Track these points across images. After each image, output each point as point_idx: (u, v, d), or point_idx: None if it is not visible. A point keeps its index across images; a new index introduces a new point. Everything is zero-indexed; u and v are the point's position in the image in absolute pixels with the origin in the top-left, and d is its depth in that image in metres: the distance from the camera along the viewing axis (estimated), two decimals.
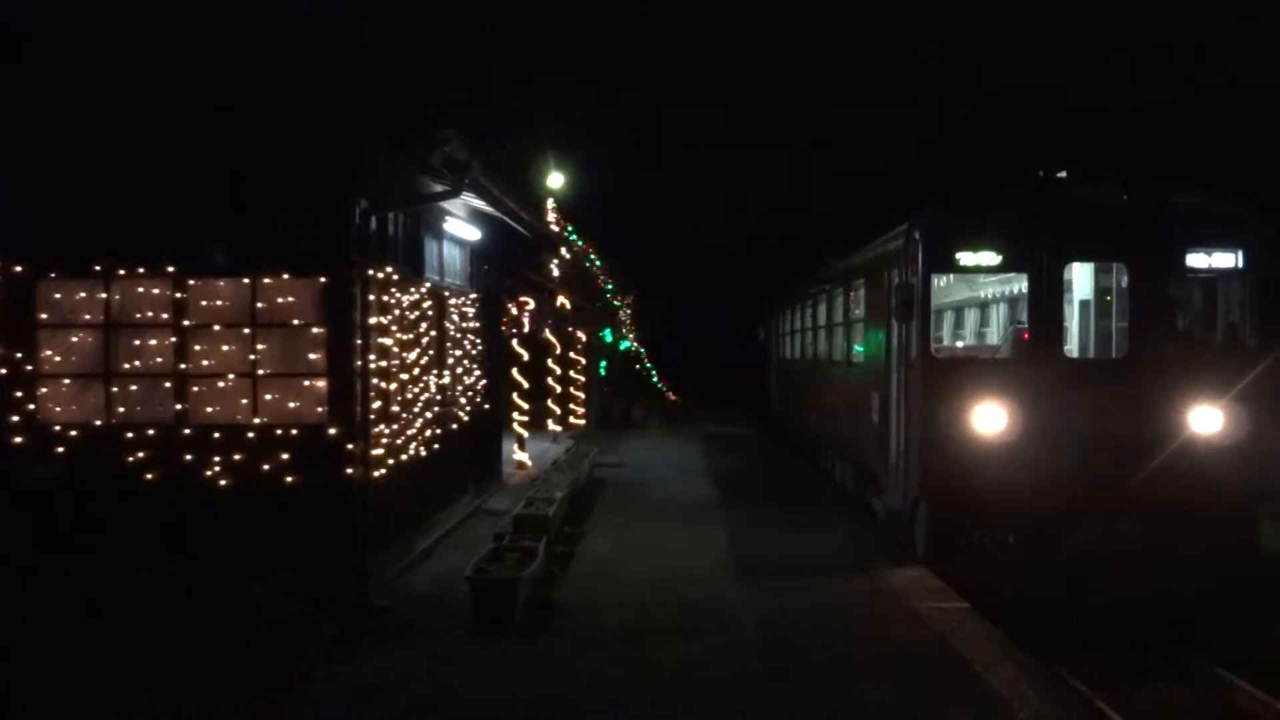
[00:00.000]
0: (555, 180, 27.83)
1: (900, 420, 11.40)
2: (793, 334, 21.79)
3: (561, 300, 22.61)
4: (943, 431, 10.38)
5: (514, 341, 18.94)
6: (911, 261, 10.99)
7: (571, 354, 25.85)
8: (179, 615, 7.76)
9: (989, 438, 10.26)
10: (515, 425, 18.97)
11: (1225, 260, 10.50)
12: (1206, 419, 10.20)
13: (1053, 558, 9.81)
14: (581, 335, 27.18)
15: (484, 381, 14.57)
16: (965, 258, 10.68)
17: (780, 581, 10.31)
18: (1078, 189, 10.85)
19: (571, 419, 25.53)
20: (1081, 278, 11.97)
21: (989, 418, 10.28)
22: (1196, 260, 10.51)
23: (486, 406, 14.82)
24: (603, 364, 32.19)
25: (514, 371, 18.99)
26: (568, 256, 23.86)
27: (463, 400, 13.35)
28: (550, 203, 25.28)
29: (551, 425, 23.40)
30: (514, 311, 18.63)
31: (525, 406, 19.51)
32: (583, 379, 26.98)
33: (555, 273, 22.04)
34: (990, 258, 10.65)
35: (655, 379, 37.47)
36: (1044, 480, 10.05)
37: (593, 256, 29.82)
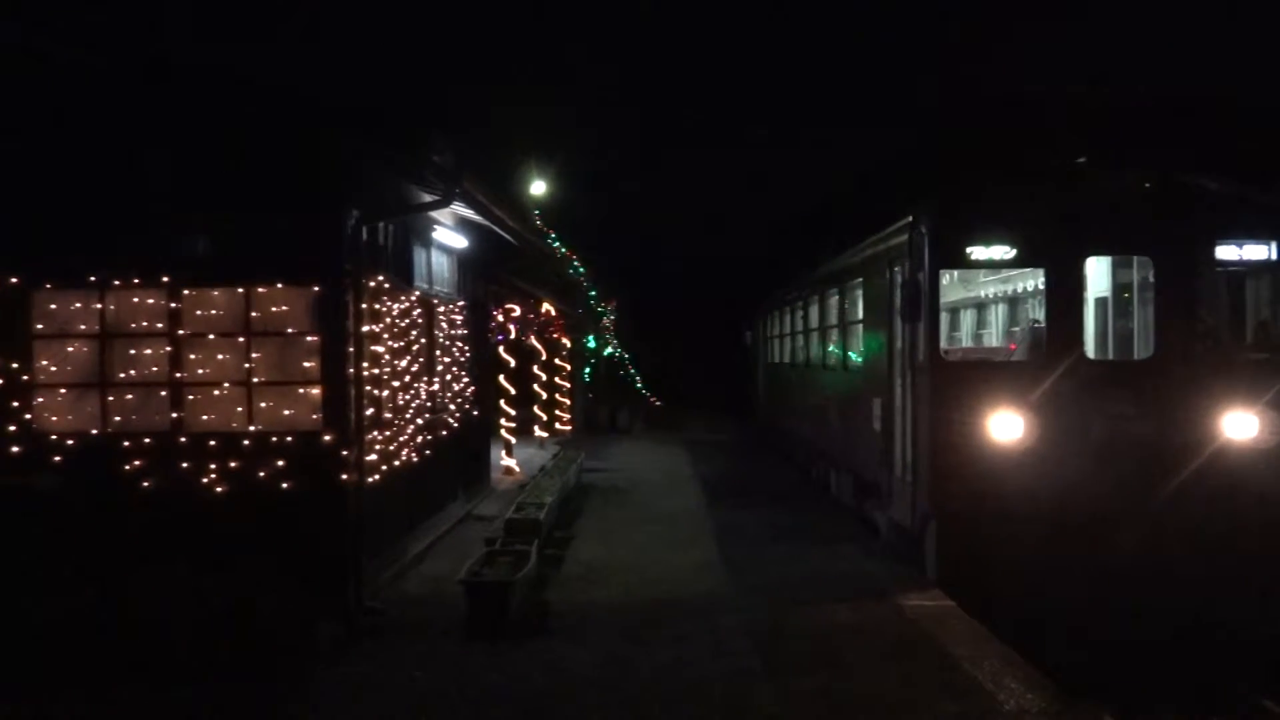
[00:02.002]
0: (538, 187, 28.07)
1: (906, 428, 10.77)
2: (781, 337, 21.31)
3: (546, 306, 22.76)
4: (955, 440, 9.71)
5: (500, 348, 19.09)
6: (918, 256, 10.31)
7: (556, 360, 26.01)
8: (178, 622, 7.88)
9: (1005, 446, 9.61)
10: (503, 431, 19.10)
11: (1257, 252, 9.82)
12: (1240, 424, 9.59)
13: (1077, 575, 9.20)
14: (566, 341, 27.34)
15: (472, 388, 14.71)
16: (977, 252, 9.95)
17: (770, 581, 10.47)
18: (1099, 176, 10.20)
19: (557, 425, 25.69)
20: (1098, 272, 11.21)
21: (1005, 425, 9.63)
22: (1226, 253, 9.84)
23: (475, 413, 14.96)
24: (587, 370, 32.36)
25: (501, 378, 19.13)
26: (550, 263, 24.05)
27: (452, 407, 13.48)
28: (534, 210, 25.46)
29: (538, 431, 23.56)
30: (500, 318, 18.77)
31: (512, 413, 19.64)
32: (568, 385, 27.14)
33: (540, 279, 22.23)
34: (1004, 251, 9.93)
35: (639, 384, 37.64)
36: (1065, 492, 9.47)
37: (576, 263, 30.01)
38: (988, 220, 10.00)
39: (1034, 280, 12.56)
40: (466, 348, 14.33)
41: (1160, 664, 8.69)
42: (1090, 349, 10.56)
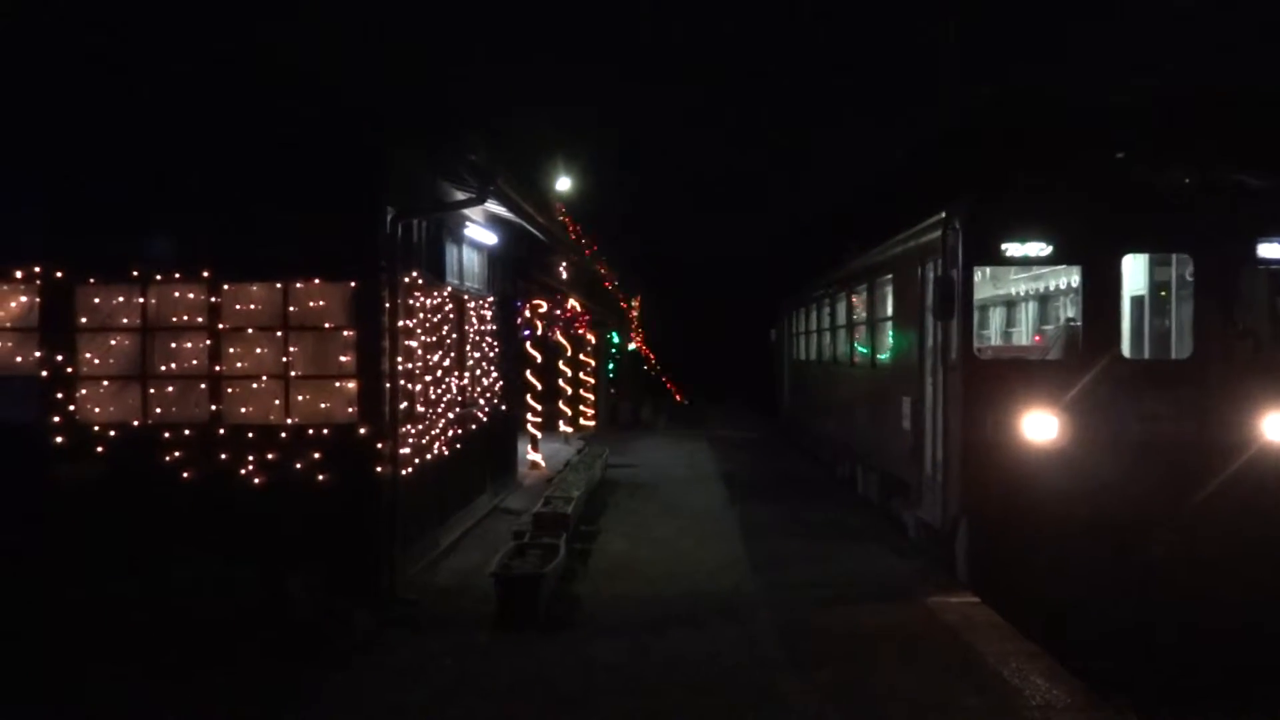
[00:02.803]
0: (563, 183, 28.22)
1: (937, 427, 10.67)
2: (808, 334, 21.26)
3: (572, 302, 22.91)
4: (988, 440, 9.59)
5: (527, 343, 19.26)
6: (951, 253, 10.19)
7: (581, 356, 26.17)
8: (218, 608, 8.08)
9: (1039, 447, 9.49)
10: (528, 426, 19.26)
11: None
12: None
13: (1110, 576, 9.06)
14: (591, 337, 27.50)
15: (501, 383, 14.88)
16: (1012, 248, 9.77)
17: (795, 577, 10.58)
18: (1137, 171, 10.02)
19: (582, 420, 25.85)
20: (1134, 270, 10.89)
21: (1038, 425, 9.51)
22: (1269, 250, 9.62)
23: (503, 407, 15.12)
24: (610, 365, 32.51)
25: (527, 373, 19.29)
26: (576, 259, 24.22)
27: (481, 401, 13.65)
28: (558, 205, 25.62)
29: (563, 426, 23.72)
30: (527, 314, 18.94)
31: (538, 408, 19.81)
32: (592, 380, 27.30)
33: (565, 275, 22.39)
34: (1039, 248, 9.73)
35: (663, 380, 37.76)
36: (1100, 493, 9.34)
37: (601, 259, 30.16)
38: (1023, 216, 9.84)
39: (1066, 278, 12.52)
40: (495, 343, 14.50)
41: (1193, 665, 8.59)
42: (1126, 348, 10.39)
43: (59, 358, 9.41)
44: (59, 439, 9.34)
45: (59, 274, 9.42)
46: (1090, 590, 9.08)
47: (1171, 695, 8.21)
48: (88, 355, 9.50)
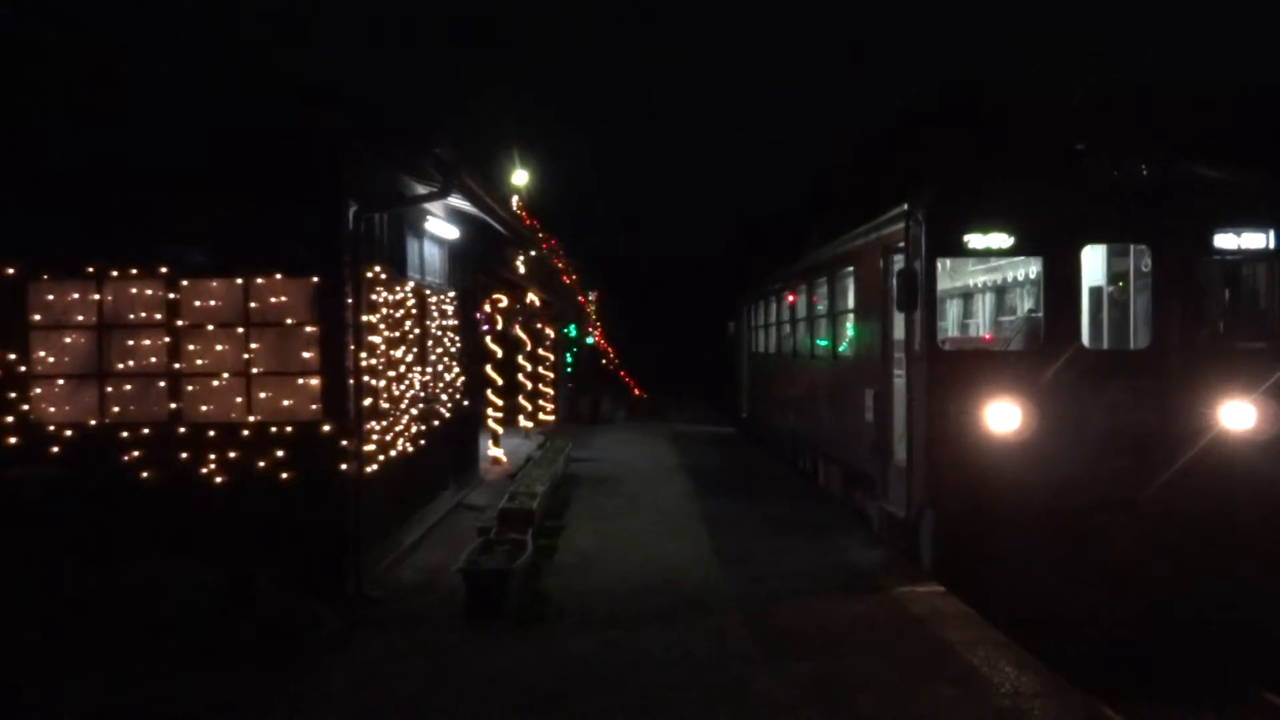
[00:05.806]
0: (520, 177, 28.07)
1: (900, 419, 10.75)
2: (767, 327, 21.27)
3: (531, 297, 22.78)
4: (952, 430, 9.66)
5: (487, 338, 19.11)
6: (914, 244, 10.23)
7: (540, 350, 26.05)
8: (182, 609, 7.92)
9: (1002, 437, 9.58)
10: (489, 422, 19.13)
11: (1255, 240, 9.75)
12: (1238, 414, 9.58)
13: (1075, 565, 9.22)
14: (549, 331, 27.37)
15: (462, 378, 14.75)
16: (974, 239, 9.85)
17: (762, 569, 10.60)
18: (1096, 163, 10.04)
19: (542, 415, 25.74)
20: (1092, 261, 10.91)
21: (1002, 415, 9.59)
22: (1224, 241, 9.78)
23: (465, 403, 15.00)
24: (569, 359, 32.39)
25: (488, 368, 19.15)
26: (534, 254, 24.10)
27: (444, 397, 13.53)
28: (515, 199, 25.50)
29: (523, 421, 23.61)
30: (487, 308, 18.80)
31: (498, 403, 19.69)
32: (551, 375, 27.19)
33: (523, 269, 22.28)
34: (1001, 239, 9.84)
35: (621, 375, 37.70)
36: (1062, 482, 9.50)
37: (559, 252, 30.04)
38: (985, 208, 9.93)
39: (1023, 269, 12.65)
40: (457, 338, 14.37)
41: (1156, 653, 8.75)
42: (1086, 339, 10.45)
43: (11, 357, 9.16)
44: (12, 439, 9.11)
45: (10, 271, 9.17)
46: (1055, 578, 9.20)
47: (1136, 681, 8.37)
48: (41, 354, 9.26)
